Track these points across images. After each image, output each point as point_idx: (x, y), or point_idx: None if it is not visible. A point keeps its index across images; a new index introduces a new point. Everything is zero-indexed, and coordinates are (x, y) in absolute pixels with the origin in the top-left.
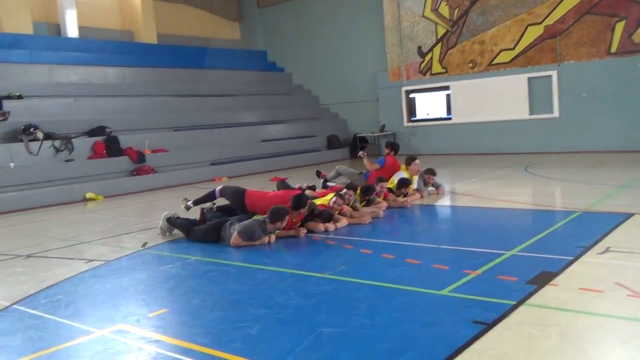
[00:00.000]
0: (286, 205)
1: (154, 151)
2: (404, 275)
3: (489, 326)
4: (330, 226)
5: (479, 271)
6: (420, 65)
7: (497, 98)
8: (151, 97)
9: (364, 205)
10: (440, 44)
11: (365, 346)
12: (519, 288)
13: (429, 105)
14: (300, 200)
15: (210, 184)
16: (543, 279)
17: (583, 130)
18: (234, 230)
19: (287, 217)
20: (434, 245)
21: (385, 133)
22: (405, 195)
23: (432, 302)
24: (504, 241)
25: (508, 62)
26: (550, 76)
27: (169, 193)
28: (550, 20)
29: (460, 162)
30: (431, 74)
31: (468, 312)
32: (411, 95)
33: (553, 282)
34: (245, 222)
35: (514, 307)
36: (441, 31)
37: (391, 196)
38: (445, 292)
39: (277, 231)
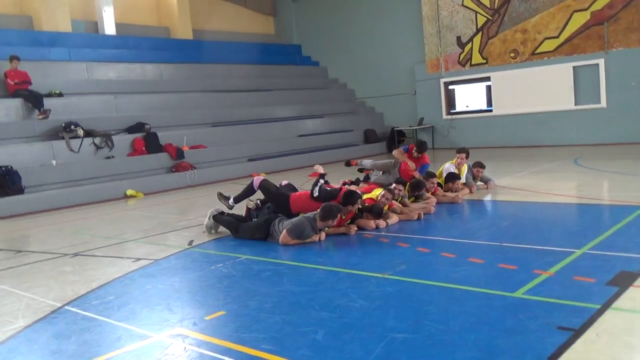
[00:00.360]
0: (337, 202)
1: (192, 147)
2: (470, 276)
3: (577, 333)
4: (382, 223)
5: (551, 271)
6: (459, 56)
7: (541, 88)
8: (188, 93)
9: (413, 201)
10: (480, 33)
11: (444, 354)
12: (600, 290)
13: (469, 97)
14: (351, 196)
15: (248, 180)
16: (624, 279)
17: (632, 121)
18: (283, 228)
19: (338, 215)
20: (496, 243)
21: (424, 126)
22: (454, 191)
23: (508, 305)
24: (571, 238)
25: (552, 51)
26: (597, 65)
27: (208, 190)
28: (597, 6)
29: (503, 156)
30: (471, 65)
31: (550, 317)
32: (450, 87)
33: (636, 283)
34: (295, 219)
35: (600, 312)
36: (481, 20)
37: (440, 191)
38: (518, 294)
39: (327, 229)
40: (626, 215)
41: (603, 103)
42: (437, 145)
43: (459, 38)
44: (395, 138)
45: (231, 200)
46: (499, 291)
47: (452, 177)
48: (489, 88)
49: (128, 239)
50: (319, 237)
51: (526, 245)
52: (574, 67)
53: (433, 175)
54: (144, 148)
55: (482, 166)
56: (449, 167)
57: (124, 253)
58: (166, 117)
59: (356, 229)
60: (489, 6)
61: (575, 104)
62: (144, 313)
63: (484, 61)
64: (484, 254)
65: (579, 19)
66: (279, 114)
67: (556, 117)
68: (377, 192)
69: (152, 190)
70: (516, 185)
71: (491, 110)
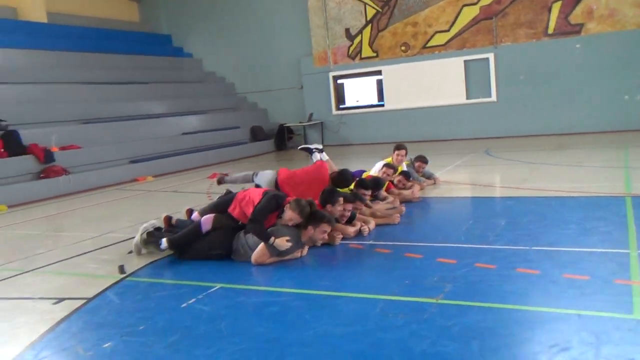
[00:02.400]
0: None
1: (62, 148)
2: (548, 293)
3: None
4: (365, 228)
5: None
6: (348, 49)
7: (433, 82)
8: (49, 85)
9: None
10: (370, 26)
11: None
12: None
13: (359, 91)
14: (332, 194)
15: (131, 185)
16: None
17: (521, 114)
18: (257, 241)
19: (333, 225)
20: (522, 247)
21: (313, 122)
22: (405, 188)
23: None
24: (603, 236)
25: (443, 45)
26: (487, 59)
27: (91, 198)
28: (486, 1)
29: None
30: (361, 58)
31: None
32: (339, 81)
33: None
34: (273, 229)
35: None
36: (371, 12)
37: (394, 189)
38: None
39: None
40: (623, 207)
41: (494, 97)
42: (328, 141)
43: (347, 30)
44: (285, 135)
45: (163, 244)
46: (611, 313)
47: (403, 175)
48: (380, 82)
49: (21, 269)
50: (302, 252)
51: (558, 247)
52: (465, 61)
53: (391, 165)
54: (2, 149)
55: (425, 161)
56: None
57: (28, 291)
58: (27, 112)
59: (342, 237)
60: None
61: (467, 98)
62: None
63: (375, 54)
64: (528, 261)
65: (469, 13)
66: (157, 110)
67: (449, 111)
68: None
69: (18, 201)
70: (455, 179)
71: (383, 105)
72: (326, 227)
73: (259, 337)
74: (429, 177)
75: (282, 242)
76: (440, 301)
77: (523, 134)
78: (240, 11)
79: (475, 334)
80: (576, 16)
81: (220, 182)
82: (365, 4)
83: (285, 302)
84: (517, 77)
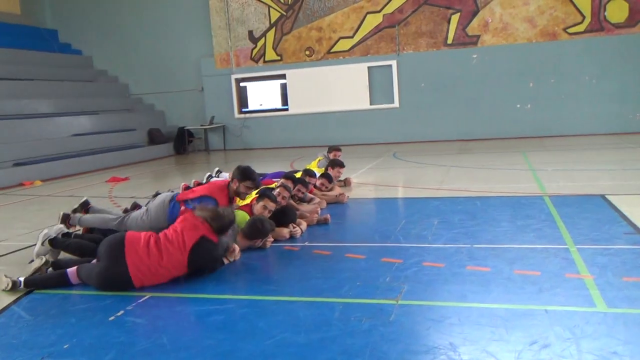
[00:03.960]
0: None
1: None
2: (507, 290)
3: None
4: (297, 231)
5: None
6: (252, 52)
7: (337, 88)
8: None
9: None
10: (274, 29)
11: None
12: None
13: (263, 95)
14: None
15: (17, 190)
16: None
17: (422, 121)
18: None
19: (269, 233)
20: (464, 246)
21: (215, 126)
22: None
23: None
24: (537, 233)
25: (347, 51)
26: (390, 66)
27: None
28: (389, 9)
29: (310, 155)
30: (264, 62)
31: None
32: (242, 84)
33: None
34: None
35: None
36: (275, 15)
37: (316, 191)
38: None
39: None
40: (555, 206)
41: (396, 103)
42: (229, 146)
43: (250, 32)
44: (185, 138)
45: (21, 284)
46: (573, 306)
47: (328, 177)
48: (284, 86)
49: None
50: (234, 256)
51: (489, 245)
52: (368, 68)
53: (312, 173)
54: None
55: (342, 165)
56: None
57: None
58: None
59: (272, 240)
60: (282, 1)
61: (371, 104)
62: None
63: (279, 58)
64: (471, 259)
65: (372, 21)
66: (43, 109)
67: (353, 116)
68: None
69: None
70: (372, 181)
71: (287, 109)
72: (257, 243)
73: (209, 350)
74: (343, 179)
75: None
76: (400, 302)
77: (425, 139)
78: (135, 8)
79: (449, 334)
80: (473, 28)
81: (67, 222)
82: (269, 6)
83: (231, 310)
84: (419, 85)
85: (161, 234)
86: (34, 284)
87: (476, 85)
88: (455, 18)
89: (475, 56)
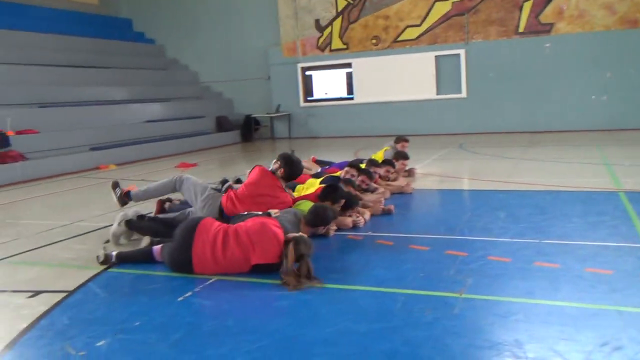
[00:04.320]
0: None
1: (19, 132)
2: (577, 288)
3: None
4: (361, 220)
5: None
6: (318, 40)
7: (404, 77)
8: (3, 65)
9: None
10: (340, 17)
11: None
12: None
13: (328, 84)
14: (333, 192)
15: (94, 173)
16: None
17: (490, 111)
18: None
19: (332, 221)
20: (532, 241)
21: (281, 114)
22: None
23: None
24: (610, 230)
25: (414, 40)
26: (458, 55)
27: (51, 185)
28: None
29: (376, 145)
30: (330, 50)
31: None
32: (308, 73)
33: None
34: (283, 218)
35: None
36: (342, 4)
37: (381, 181)
38: None
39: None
40: (615, 201)
41: (464, 93)
42: (295, 134)
43: (317, 21)
44: (252, 126)
45: (113, 257)
46: None
47: (390, 164)
48: (349, 75)
49: None
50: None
51: (559, 240)
52: (436, 57)
53: (377, 163)
54: None
55: (406, 157)
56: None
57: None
58: None
59: (335, 229)
60: None
61: (438, 94)
62: None
63: (345, 47)
64: (539, 255)
65: (441, 9)
66: (118, 96)
67: (418, 106)
68: (316, 185)
69: None
70: (437, 173)
71: (352, 98)
72: (319, 230)
73: (275, 334)
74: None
75: None
76: (464, 295)
77: (493, 131)
78: None
79: (514, 330)
80: (546, 16)
81: (123, 200)
82: None
83: (295, 296)
84: (488, 74)
85: (232, 230)
86: (123, 258)
87: (548, 75)
88: (527, 5)
89: (548, 45)
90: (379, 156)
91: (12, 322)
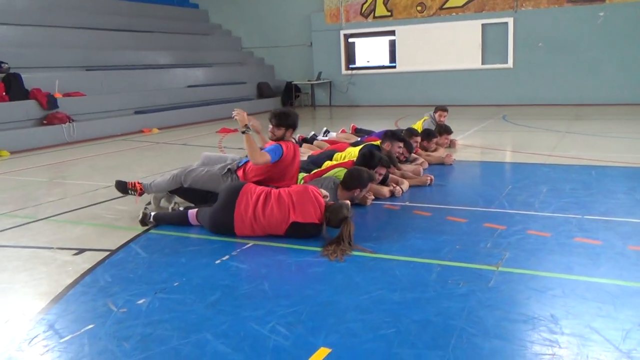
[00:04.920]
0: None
1: (66, 95)
2: (619, 266)
3: None
4: (398, 189)
5: None
6: (361, 7)
7: (448, 46)
8: (52, 28)
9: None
10: None
11: None
12: None
13: (371, 51)
14: (370, 158)
15: (138, 136)
16: None
17: (537, 82)
18: None
19: (369, 185)
20: (574, 216)
21: (322, 81)
22: (429, 150)
23: None
24: None
25: (460, 7)
26: (506, 23)
27: (97, 147)
28: None
29: (417, 114)
30: (374, 17)
31: None
32: (350, 40)
33: None
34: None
35: None
36: None
37: (421, 152)
38: None
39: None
40: None
41: (510, 63)
42: (335, 102)
43: None
44: (292, 93)
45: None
46: None
47: (430, 134)
48: (392, 43)
49: (34, 216)
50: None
51: (602, 217)
52: (482, 25)
53: (416, 133)
54: (4, 93)
55: (450, 132)
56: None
57: (44, 240)
58: (28, 55)
59: (373, 198)
60: None
61: (483, 63)
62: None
63: (389, 14)
64: (580, 231)
65: None
66: (162, 60)
67: (463, 76)
68: (353, 154)
69: (20, 147)
70: (479, 144)
71: (395, 67)
72: (356, 193)
73: (310, 300)
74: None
75: None
76: (501, 269)
77: (538, 103)
78: None
79: (550, 305)
80: None
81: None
82: None
83: (330, 263)
84: (536, 44)
85: (275, 191)
86: (160, 219)
87: (601, 45)
88: None
89: (602, 14)
90: (417, 126)
91: (57, 278)
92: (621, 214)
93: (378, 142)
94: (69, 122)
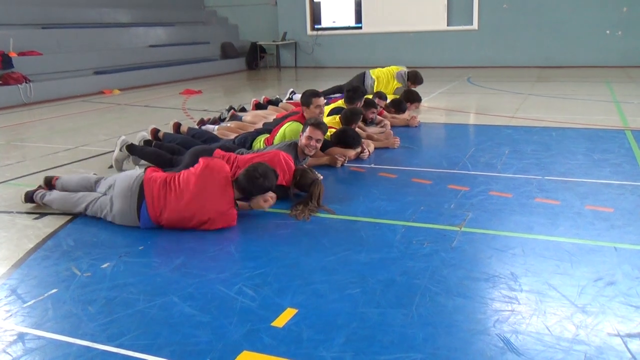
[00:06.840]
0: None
1: (21, 54)
2: (576, 225)
3: None
4: (365, 151)
5: None
6: None
7: (414, 6)
8: None
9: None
10: None
11: None
12: None
13: (336, 11)
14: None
15: (98, 97)
16: None
17: (502, 44)
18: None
19: (360, 144)
20: (535, 177)
21: (287, 42)
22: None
23: None
24: (614, 168)
25: None
26: None
27: (55, 109)
28: None
29: None
30: None
31: None
32: (316, 0)
33: None
34: (281, 145)
35: None
36: None
37: (386, 114)
38: None
39: (308, 159)
40: (621, 140)
41: (475, 25)
42: (301, 63)
43: None
44: (257, 53)
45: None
46: None
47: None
48: (358, 3)
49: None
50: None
51: (561, 177)
52: None
53: (383, 96)
54: None
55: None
56: None
57: (3, 204)
58: None
59: (343, 159)
60: None
61: (448, 25)
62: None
63: None
64: (540, 191)
65: None
66: (121, 19)
67: (428, 37)
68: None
69: None
70: (443, 106)
71: (360, 27)
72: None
73: (276, 261)
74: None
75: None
76: (464, 229)
77: (503, 65)
78: None
79: (511, 264)
80: None
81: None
82: None
83: (296, 225)
84: (501, 5)
85: (247, 157)
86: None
87: (564, 7)
88: None
89: None
90: (386, 72)
91: (18, 243)
92: (579, 174)
93: (340, 103)
94: (26, 82)
